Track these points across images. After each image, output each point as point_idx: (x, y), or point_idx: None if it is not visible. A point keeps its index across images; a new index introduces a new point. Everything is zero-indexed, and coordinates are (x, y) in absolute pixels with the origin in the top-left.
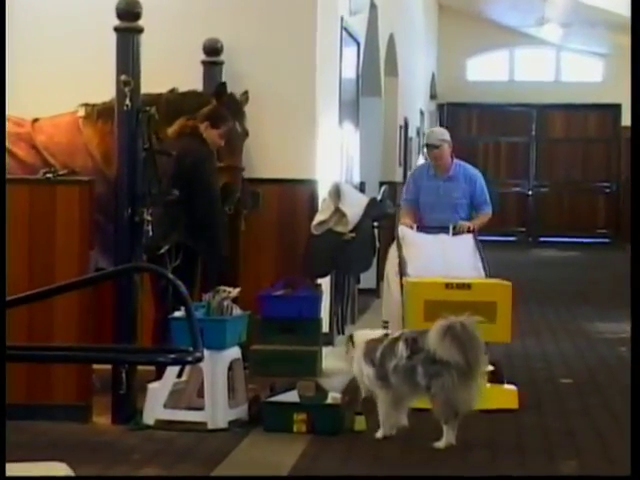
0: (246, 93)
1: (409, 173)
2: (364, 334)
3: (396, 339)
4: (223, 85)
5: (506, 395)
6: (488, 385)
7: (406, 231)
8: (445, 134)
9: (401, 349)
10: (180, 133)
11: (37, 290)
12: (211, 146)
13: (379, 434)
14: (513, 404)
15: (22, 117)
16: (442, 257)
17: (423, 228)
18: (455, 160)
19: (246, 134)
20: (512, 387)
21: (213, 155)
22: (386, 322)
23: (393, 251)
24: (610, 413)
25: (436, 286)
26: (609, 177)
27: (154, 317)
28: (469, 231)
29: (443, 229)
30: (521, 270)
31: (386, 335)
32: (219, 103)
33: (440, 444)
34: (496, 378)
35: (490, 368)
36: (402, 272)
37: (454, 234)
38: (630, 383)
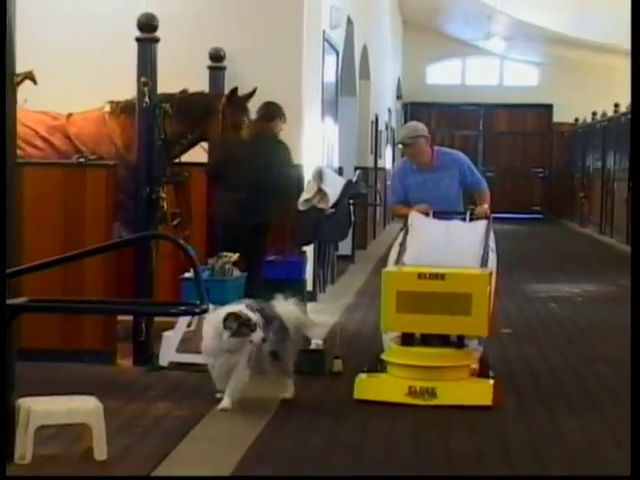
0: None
1: (391, 173)
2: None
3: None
4: (236, 90)
5: (480, 390)
6: (464, 380)
7: (416, 217)
8: (418, 130)
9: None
10: (255, 135)
11: (71, 253)
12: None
13: (226, 404)
14: (487, 400)
15: (59, 112)
16: (445, 244)
17: (438, 214)
18: (435, 148)
19: None
20: (488, 381)
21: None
22: None
23: (400, 238)
24: (544, 359)
25: (409, 276)
26: (543, 164)
27: None
28: (486, 217)
29: (459, 214)
30: None
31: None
32: (229, 102)
33: (288, 395)
34: (481, 372)
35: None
36: (398, 260)
37: (471, 219)
38: (631, 382)
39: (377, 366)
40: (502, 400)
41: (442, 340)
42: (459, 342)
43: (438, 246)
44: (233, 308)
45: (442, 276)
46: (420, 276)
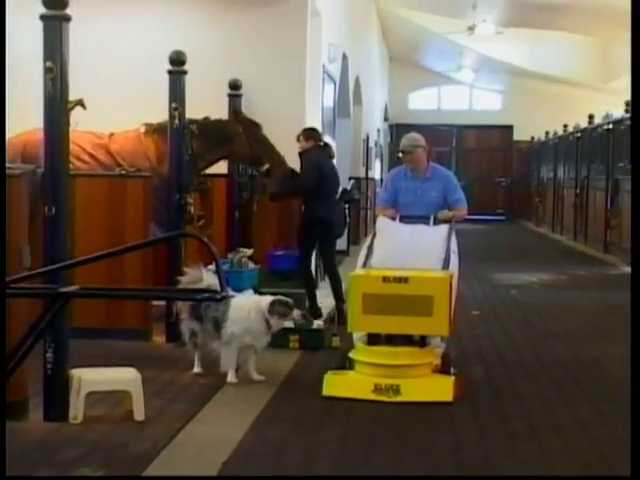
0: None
1: (386, 176)
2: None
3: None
4: (239, 110)
5: (441, 386)
6: (426, 377)
7: (383, 222)
8: (418, 140)
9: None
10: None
11: (114, 249)
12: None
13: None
14: (447, 396)
15: (103, 132)
16: (409, 247)
17: (405, 218)
18: (431, 162)
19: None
20: (449, 378)
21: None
22: None
23: (367, 241)
24: (506, 335)
25: (374, 279)
26: (505, 174)
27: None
28: (448, 221)
29: (424, 219)
30: None
31: None
32: (237, 119)
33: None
34: (443, 369)
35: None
36: (365, 262)
37: (435, 224)
38: (629, 379)
39: (345, 364)
40: (463, 395)
41: (406, 340)
42: (422, 341)
43: (403, 250)
44: (273, 296)
45: (405, 279)
46: (385, 279)
